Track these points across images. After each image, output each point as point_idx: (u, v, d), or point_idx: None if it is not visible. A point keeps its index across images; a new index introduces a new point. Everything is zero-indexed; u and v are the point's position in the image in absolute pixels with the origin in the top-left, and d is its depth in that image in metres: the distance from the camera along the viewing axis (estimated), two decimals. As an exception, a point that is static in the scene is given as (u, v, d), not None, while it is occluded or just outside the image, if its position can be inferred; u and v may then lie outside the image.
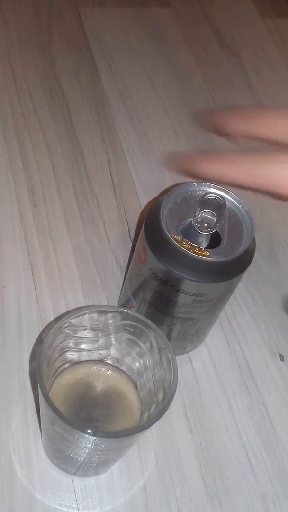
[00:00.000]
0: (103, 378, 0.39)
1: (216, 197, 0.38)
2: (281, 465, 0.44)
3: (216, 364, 0.48)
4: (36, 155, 0.59)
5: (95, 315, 0.36)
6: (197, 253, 0.37)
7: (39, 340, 0.46)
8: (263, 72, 0.74)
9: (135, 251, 0.42)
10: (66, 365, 0.39)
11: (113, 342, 0.39)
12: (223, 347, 0.49)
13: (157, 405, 0.34)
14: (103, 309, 0.36)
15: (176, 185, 0.40)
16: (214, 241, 0.39)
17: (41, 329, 0.47)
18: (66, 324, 0.35)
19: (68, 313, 0.35)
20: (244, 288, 0.53)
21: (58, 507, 0.40)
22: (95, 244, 0.53)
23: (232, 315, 0.51)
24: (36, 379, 0.32)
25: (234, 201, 0.40)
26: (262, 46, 0.77)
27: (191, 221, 0.38)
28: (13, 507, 0.39)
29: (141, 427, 0.32)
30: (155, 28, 0.75)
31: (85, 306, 0.36)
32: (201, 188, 0.40)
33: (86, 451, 0.34)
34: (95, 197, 0.57)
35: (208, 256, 0.37)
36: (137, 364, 0.39)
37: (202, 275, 0.37)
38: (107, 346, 0.39)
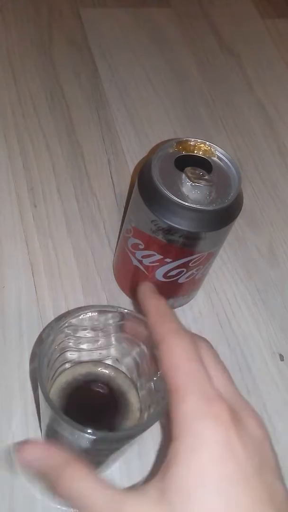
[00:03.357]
0: (103, 378, 0.39)
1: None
2: (281, 465, 0.44)
3: (216, 364, 0.48)
4: (36, 155, 0.59)
5: (95, 315, 0.36)
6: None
7: (39, 340, 0.46)
8: (263, 72, 0.74)
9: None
10: (67, 365, 0.39)
11: (113, 342, 0.39)
12: (223, 347, 0.49)
13: (157, 405, 0.34)
14: (103, 309, 0.36)
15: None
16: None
17: (41, 329, 0.47)
18: (66, 324, 0.35)
19: (68, 313, 0.35)
20: (244, 288, 0.53)
21: (58, 506, 0.40)
22: (95, 244, 0.53)
23: (232, 315, 0.51)
24: (36, 379, 0.32)
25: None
26: (262, 46, 0.77)
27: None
28: (12, 507, 0.39)
29: (140, 427, 0.32)
30: (155, 28, 0.75)
31: (85, 306, 0.36)
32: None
33: (86, 451, 0.34)
34: (95, 197, 0.57)
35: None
36: (137, 364, 0.39)
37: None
38: (107, 346, 0.39)
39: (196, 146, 0.42)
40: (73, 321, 0.35)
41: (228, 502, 0.26)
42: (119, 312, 0.36)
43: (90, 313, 0.36)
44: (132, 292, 0.50)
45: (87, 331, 0.37)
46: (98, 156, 0.60)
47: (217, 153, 0.42)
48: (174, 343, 0.30)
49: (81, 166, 0.59)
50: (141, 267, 0.45)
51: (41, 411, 0.36)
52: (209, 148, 0.42)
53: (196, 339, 0.31)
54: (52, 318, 0.48)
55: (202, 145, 0.42)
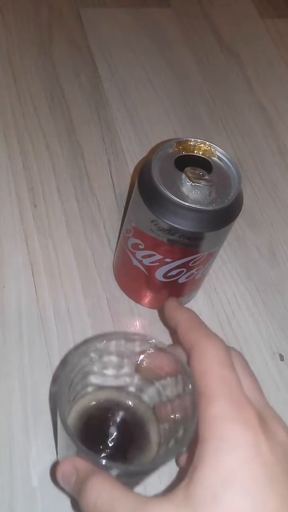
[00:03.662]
0: (124, 407, 0.38)
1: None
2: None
3: (216, 364, 0.48)
4: (36, 155, 0.59)
5: (122, 342, 0.35)
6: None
7: (63, 362, 0.45)
8: (263, 72, 0.74)
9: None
10: (89, 389, 0.38)
11: (138, 370, 0.37)
12: (223, 347, 0.49)
13: (176, 441, 0.33)
14: (132, 337, 0.35)
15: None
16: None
17: (41, 329, 0.47)
18: (92, 348, 0.34)
19: (95, 337, 0.34)
20: (244, 288, 0.53)
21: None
22: (95, 244, 0.53)
23: (232, 315, 0.51)
24: (56, 402, 0.32)
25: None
26: (262, 46, 0.77)
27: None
28: (13, 507, 0.39)
29: (155, 463, 0.32)
30: (155, 28, 0.75)
31: (112, 332, 0.35)
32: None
33: None
34: (95, 197, 0.57)
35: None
36: (160, 395, 0.37)
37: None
38: (131, 374, 0.38)
39: (196, 146, 0.42)
40: (99, 346, 0.34)
41: (254, 504, 0.26)
42: (147, 341, 0.35)
43: (117, 340, 0.35)
44: (132, 293, 0.50)
45: (113, 356, 0.36)
46: (98, 156, 0.60)
47: (217, 153, 0.42)
48: (207, 348, 0.31)
49: (81, 166, 0.59)
50: (141, 267, 0.45)
51: (58, 434, 0.35)
52: (209, 148, 0.42)
53: (229, 347, 0.32)
54: (52, 318, 0.48)
55: (202, 145, 0.42)
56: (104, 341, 0.34)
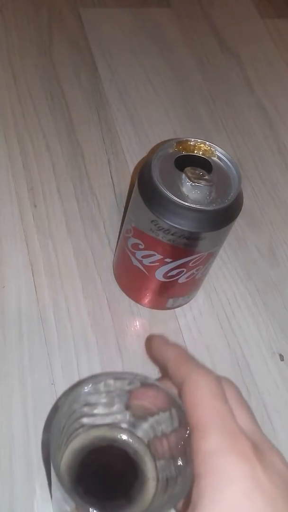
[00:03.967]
0: (118, 444, 0.37)
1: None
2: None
3: (216, 364, 0.48)
4: (36, 155, 0.59)
5: (111, 382, 0.35)
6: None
7: (55, 409, 0.43)
8: (263, 72, 0.74)
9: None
10: (80, 430, 0.37)
11: (129, 407, 0.37)
12: (223, 347, 0.49)
13: (174, 483, 0.32)
14: (120, 376, 0.35)
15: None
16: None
17: (41, 329, 0.47)
18: (82, 392, 0.34)
19: (83, 381, 0.34)
20: (244, 288, 0.53)
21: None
22: (95, 244, 0.53)
23: (232, 315, 0.51)
24: (48, 449, 0.31)
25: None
26: (262, 46, 0.77)
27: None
28: (13, 507, 0.39)
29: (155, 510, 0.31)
30: (155, 28, 0.75)
31: (101, 374, 0.35)
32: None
33: None
34: (95, 197, 0.57)
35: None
36: (154, 430, 0.37)
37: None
38: (122, 411, 0.37)
39: (196, 146, 0.42)
40: (88, 389, 0.34)
41: None
42: (138, 379, 0.35)
43: (105, 380, 0.34)
44: (132, 293, 0.50)
45: (103, 396, 0.36)
46: (98, 156, 0.60)
47: (217, 153, 0.42)
48: (198, 381, 0.31)
49: (81, 166, 0.59)
50: (141, 267, 0.45)
51: (52, 483, 0.34)
52: (209, 148, 0.42)
53: (220, 378, 0.31)
54: (52, 318, 0.48)
55: (202, 145, 0.42)
56: (92, 385, 0.34)
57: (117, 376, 0.35)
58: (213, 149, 0.42)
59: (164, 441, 0.35)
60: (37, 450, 0.41)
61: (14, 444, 0.41)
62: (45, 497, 0.40)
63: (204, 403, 0.30)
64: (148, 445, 0.38)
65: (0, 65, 0.66)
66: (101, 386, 0.35)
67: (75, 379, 0.45)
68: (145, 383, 0.35)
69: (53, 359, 0.46)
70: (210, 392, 0.30)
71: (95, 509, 0.29)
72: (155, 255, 0.43)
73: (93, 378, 0.34)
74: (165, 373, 0.34)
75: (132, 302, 0.50)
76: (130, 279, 0.48)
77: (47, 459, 0.40)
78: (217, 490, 0.27)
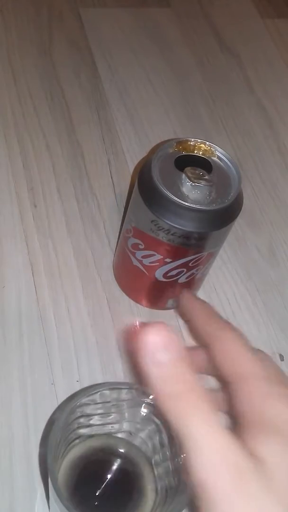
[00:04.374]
0: (115, 453, 0.37)
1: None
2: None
3: (216, 364, 0.48)
4: (36, 156, 0.59)
5: (107, 392, 0.34)
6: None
7: (50, 422, 0.43)
8: (263, 72, 0.74)
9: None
10: (77, 441, 0.37)
11: (126, 417, 0.37)
12: (223, 347, 0.49)
13: (174, 494, 0.32)
14: (116, 386, 0.35)
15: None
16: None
17: (41, 329, 0.47)
18: (78, 404, 0.34)
19: (79, 393, 0.34)
20: (244, 288, 0.53)
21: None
22: (95, 244, 0.53)
23: (232, 315, 0.51)
24: (45, 462, 0.31)
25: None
26: (262, 46, 0.77)
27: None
28: (13, 507, 0.39)
29: None
30: (155, 28, 0.75)
31: (96, 384, 0.35)
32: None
33: None
34: (95, 197, 0.57)
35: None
36: (152, 439, 0.37)
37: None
38: (119, 421, 0.37)
39: (196, 146, 0.42)
40: (84, 400, 0.34)
41: None
42: (134, 389, 0.34)
43: (101, 391, 0.34)
44: (132, 293, 0.50)
45: (99, 406, 0.35)
46: (98, 156, 0.60)
47: (217, 153, 0.42)
48: (228, 338, 0.30)
49: (81, 166, 0.59)
50: (141, 267, 0.45)
51: (50, 493, 0.34)
52: (209, 148, 0.42)
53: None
54: (52, 318, 0.48)
55: (202, 145, 0.42)
56: (88, 396, 0.34)
57: (112, 387, 0.34)
58: (213, 149, 0.42)
59: (163, 449, 0.35)
60: (37, 450, 0.41)
61: (14, 444, 0.41)
62: (45, 497, 0.40)
63: (240, 356, 0.29)
64: (146, 455, 0.37)
65: (0, 65, 0.66)
66: (97, 396, 0.34)
67: (75, 379, 0.45)
68: (142, 393, 0.34)
69: (53, 359, 0.46)
70: (243, 346, 0.29)
71: None
72: (155, 255, 0.43)
73: (89, 389, 0.34)
74: (192, 332, 0.33)
75: (132, 302, 0.50)
76: (130, 279, 0.48)
77: (44, 471, 0.40)
78: (266, 424, 0.25)
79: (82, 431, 0.37)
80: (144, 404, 0.35)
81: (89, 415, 0.36)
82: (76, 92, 0.65)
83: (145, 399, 0.35)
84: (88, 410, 0.35)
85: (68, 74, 0.67)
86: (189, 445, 0.23)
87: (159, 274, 0.44)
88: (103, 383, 0.34)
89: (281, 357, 0.49)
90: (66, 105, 0.64)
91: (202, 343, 0.31)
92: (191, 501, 0.27)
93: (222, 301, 0.52)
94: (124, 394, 0.35)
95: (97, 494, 0.36)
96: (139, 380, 0.26)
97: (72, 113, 0.63)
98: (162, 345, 0.24)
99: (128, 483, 0.37)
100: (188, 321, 0.34)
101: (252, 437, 0.25)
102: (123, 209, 0.56)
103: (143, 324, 0.24)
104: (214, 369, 0.30)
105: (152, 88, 0.68)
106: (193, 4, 0.80)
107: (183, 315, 0.35)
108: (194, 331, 0.33)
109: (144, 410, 0.36)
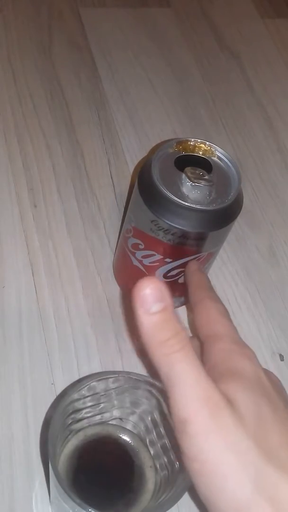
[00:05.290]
0: (109, 440, 0.38)
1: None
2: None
3: (216, 364, 0.48)
4: (36, 155, 0.59)
5: (94, 384, 0.35)
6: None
7: (46, 423, 0.43)
8: (263, 72, 0.74)
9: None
10: (71, 435, 0.38)
11: (116, 404, 0.38)
12: (223, 347, 0.49)
13: (173, 467, 0.33)
14: (103, 377, 0.35)
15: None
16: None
17: (41, 329, 0.47)
18: (69, 400, 0.34)
19: (69, 388, 0.34)
20: (244, 288, 0.53)
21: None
22: (95, 244, 0.53)
23: (232, 315, 0.51)
24: (46, 457, 0.32)
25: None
26: (262, 46, 0.77)
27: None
28: (13, 507, 0.39)
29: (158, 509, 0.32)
30: (155, 28, 0.75)
31: (83, 378, 0.35)
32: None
33: None
34: (95, 197, 0.57)
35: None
36: (143, 420, 0.37)
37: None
38: (109, 409, 0.38)
39: (196, 146, 0.42)
40: (75, 396, 0.35)
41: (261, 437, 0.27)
42: (121, 376, 0.35)
43: (89, 384, 0.35)
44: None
45: (88, 399, 0.36)
46: (98, 156, 0.60)
47: (217, 153, 0.42)
48: (210, 305, 0.36)
49: (81, 166, 0.59)
50: (141, 267, 0.45)
51: (51, 485, 0.35)
52: (209, 148, 0.42)
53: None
54: (52, 318, 0.48)
55: (202, 145, 0.42)
56: (77, 391, 0.35)
57: (99, 378, 0.35)
58: (213, 149, 0.42)
59: (156, 429, 0.37)
60: (37, 450, 0.41)
61: (14, 444, 0.41)
62: (45, 497, 0.40)
63: (215, 319, 0.35)
64: (140, 436, 0.38)
65: (0, 65, 0.66)
66: (85, 390, 0.35)
67: (75, 379, 0.45)
68: (129, 379, 0.35)
69: (53, 359, 0.46)
70: (220, 313, 0.35)
71: (93, 509, 0.30)
72: (155, 255, 0.43)
73: (76, 385, 0.34)
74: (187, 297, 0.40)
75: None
76: (130, 279, 0.48)
77: (45, 460, 0.40)
78: (234, 369, 0.31)
79: (75, 425, 0.37)
80: (131, 389, 0.36)
81: (80, 409, 0.36)
82: (76, 92, 0.65)
83: (132, 384, 0.36)
84: (78, 404, 0.36)
85: (68, 74, 0.67)
86: (174, 382, 0.26)
87: (159, 274, 0.44)
88: (90, 375, 0.35)
89: (281, 357, 0.49)
90: (66, 105, 0.64)
91: (191, 306, 0.38)
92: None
93: (222, 301, 0.52)
94: (111, 383, 0.36)
95: (97, 481, 0.36)
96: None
97: (72, 113, 0.63)
98: (153, 297, 0.27)
99: (126, 466, 0.38)
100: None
101: (223, 382, 0.28)
102: (123, 209, 0.56)
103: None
104: (195, 329, 0.36)
105: (152, 88, 0.68)
106: (193, 4, 0.80)
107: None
108: (187, 296, 0.39)
109: (132, 395, 0.37)
